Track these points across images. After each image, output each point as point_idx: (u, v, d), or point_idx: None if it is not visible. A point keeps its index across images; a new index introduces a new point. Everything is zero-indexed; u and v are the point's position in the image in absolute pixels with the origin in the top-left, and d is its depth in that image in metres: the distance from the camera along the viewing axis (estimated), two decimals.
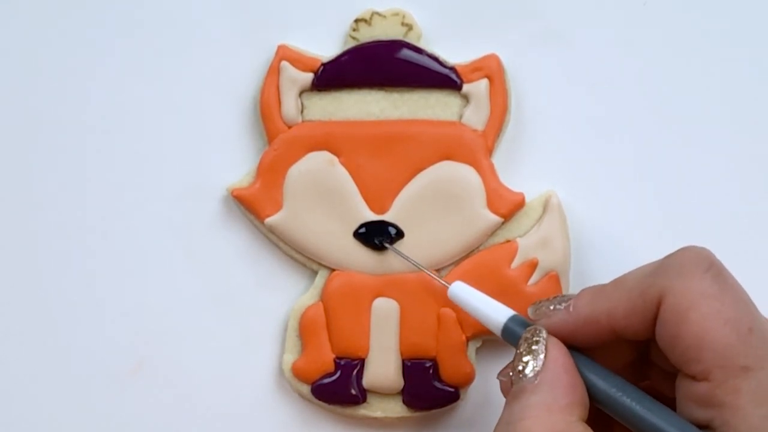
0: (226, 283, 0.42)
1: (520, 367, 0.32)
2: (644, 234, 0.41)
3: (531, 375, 0.31)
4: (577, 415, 0.31)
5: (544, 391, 0.31)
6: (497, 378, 0.34)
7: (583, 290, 0.33)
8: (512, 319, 0.34)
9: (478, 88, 0.40)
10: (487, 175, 0.40)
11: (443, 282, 0.37)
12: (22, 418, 0.42)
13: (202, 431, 0.42)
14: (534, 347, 0.32)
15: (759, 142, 0.41)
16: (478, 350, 0.40)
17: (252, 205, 0.41)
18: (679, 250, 0.32)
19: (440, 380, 0.40)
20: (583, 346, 0.33)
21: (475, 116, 0.40)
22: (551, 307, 0.33)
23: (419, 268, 0.39)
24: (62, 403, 0.42)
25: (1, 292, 0.42)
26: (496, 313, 0.34)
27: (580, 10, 0.41)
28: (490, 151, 0.40)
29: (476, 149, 0.40)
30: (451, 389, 0.40)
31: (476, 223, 0.40)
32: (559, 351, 0.32)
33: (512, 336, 0.34)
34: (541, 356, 0.32)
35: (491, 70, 0.41)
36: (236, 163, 0.42)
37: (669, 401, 0.31)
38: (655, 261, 0.32)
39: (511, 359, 0.33)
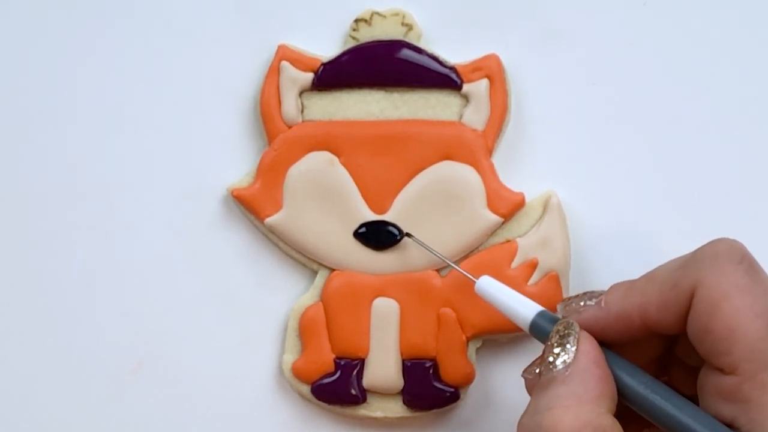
0: (226, 283, 0.42)
1: (551, 359, 0.32)
2: (644, 234, 0.41)
3: (562, 367, 0.31)
4: (606, 407, 0.31)
5: (575, 383, 0.31)
6: (522, 376, 0.33)
7: (613, 286, 0.33)
8: (540, 314, 0.34)
9: (478, 88, 0.40)
10: (487, 175, 0.40)
11: (470, 276, 0.36)
12: (22, 418, 0.42)
13: (202, 431, 0.42)
14: (565, 340, 0.32)
15: (759, 142, 0.41)
16: (478, 350, 0.40)
17: (252, 205, 0.41)
18: (711, 242, 0.32)
19: (440, 380, 0.40)
20: (613, 342, 0.33)
21: (475, 116, 0.40)
22: (581, 303, 0.33)
23: (445, 261, 0.39)
24: (62, 402, 0.42)
25: (1, 292, 0.42)
26: (524, 308, 0.34)
27: (580, 10, 0.41)
28: (490, 151, 0.40)
29: (476, 149, 0.40)
30: (451, 389, 0.40)
31: (476, 223, 0.40)
32: (590, 344, 0.32)
33: (540, 331, 0.33)
34: (573, 349, 0.32)
35: (491, 70, 0.41)
36: (236, 163, 0.42)
37: (688, 398, 0.31)
38: (687, 253, 0.32)
39: (540, 354, 0.32)
